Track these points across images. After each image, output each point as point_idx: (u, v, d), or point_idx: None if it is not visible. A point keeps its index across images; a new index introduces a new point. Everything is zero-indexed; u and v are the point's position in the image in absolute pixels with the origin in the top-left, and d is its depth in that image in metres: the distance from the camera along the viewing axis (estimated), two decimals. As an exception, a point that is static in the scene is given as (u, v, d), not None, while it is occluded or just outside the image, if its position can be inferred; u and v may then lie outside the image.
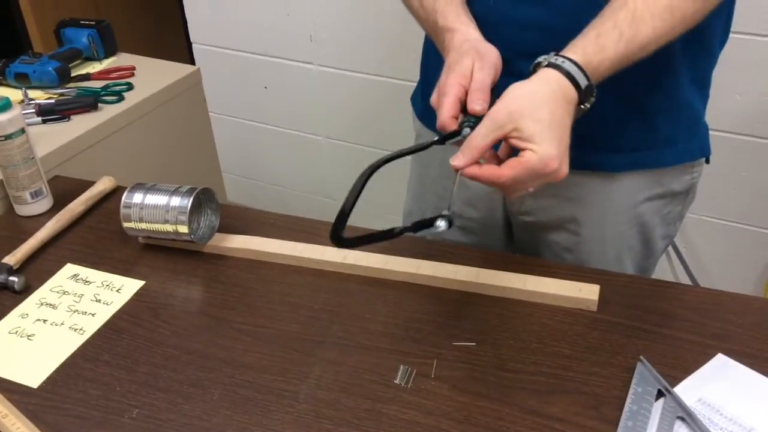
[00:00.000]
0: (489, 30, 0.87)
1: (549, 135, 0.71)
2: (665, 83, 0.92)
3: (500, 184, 0.73)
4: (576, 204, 1.01)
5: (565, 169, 0.73)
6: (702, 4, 0.80)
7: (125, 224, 1.04)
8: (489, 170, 0.73)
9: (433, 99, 0.82)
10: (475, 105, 0.77)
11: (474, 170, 0.73)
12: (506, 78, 0.81)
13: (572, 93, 0.74)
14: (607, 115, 0.89)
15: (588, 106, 0.77)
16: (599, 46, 0.76)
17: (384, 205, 1.45)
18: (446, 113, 0.78)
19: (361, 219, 1.27)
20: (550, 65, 0.75)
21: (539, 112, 0.72)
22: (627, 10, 0.77)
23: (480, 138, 0.73)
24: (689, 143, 0.99)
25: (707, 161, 1.03)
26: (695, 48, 0.91)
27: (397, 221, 0.89)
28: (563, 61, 0.75)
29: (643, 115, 0.93)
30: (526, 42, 0.85)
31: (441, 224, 0.75)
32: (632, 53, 0.77)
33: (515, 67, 0.83)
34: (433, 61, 0.94)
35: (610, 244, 1.04)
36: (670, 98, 0.93)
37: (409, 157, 0.84)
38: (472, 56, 0.80)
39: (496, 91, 0.79)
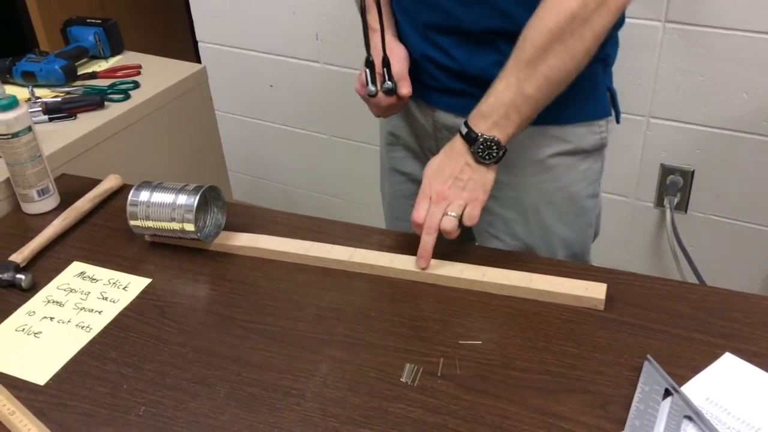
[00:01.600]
0: (404, 4, 1.10)
1: (429, 173, 1.00)
2: None
3: (423, 214, 0.98)
4: None
5: (436, 189, 0.97)
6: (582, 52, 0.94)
7: (132, 222, 1.04)
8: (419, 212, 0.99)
9: (357, 88, 1.10)
10: (403, 89, 1.08)
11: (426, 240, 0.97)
12: (425, 42, 1.08)
13: (457, 142, 0.99)
14: None
15: (483, 146, 0.96)
16: (487, 96, 0.96)
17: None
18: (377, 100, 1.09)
19: (359, 218, 1.27)
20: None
21: (430, 163, 1.01)
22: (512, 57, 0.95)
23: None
24: (588, 105, 1.09)
25: (617, 121, 1.15)
26: None
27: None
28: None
29: None
30: (430, 17, 1.06)
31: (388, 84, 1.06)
32: (524, 94, 0.94)
33: (428, 37, 1.08)
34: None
35: (524, 192, 1.13)
36: None
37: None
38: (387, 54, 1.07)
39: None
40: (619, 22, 1.05)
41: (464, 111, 1.09)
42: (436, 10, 1.04)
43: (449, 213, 0.96)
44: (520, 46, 0.94)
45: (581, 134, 1.10)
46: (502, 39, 1.01)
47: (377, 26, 1.06)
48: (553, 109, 1.03)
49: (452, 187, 0.97)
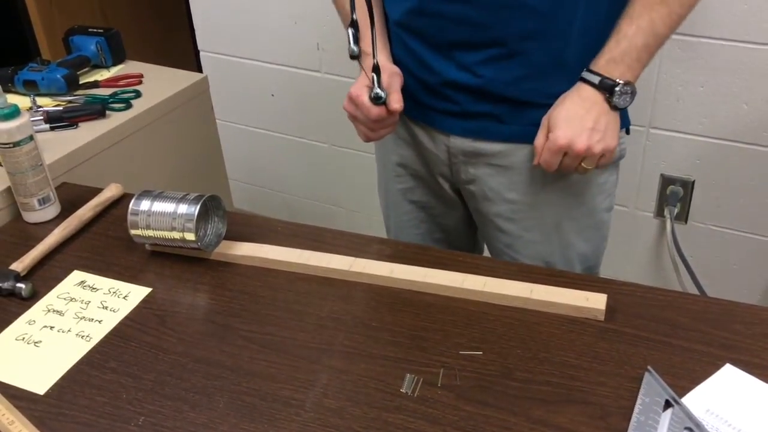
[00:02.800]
0: (424, 22, 1.05)
1: (563, 124, 0.98)
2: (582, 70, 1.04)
3: (545, 161, 1.01)
4: (508, 172, 1.12)
5: (580, 145, 0.97)
6: None
7: (132, 231, 1.04)
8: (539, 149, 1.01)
9: (346, 105, 1.08)
10: (395, 104, 1.03)
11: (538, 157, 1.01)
12: (447, 62, 1.05)
13: (588, 91, 0.99)
14: (529, 94, 1.06)
15: (621, 92, 0.98)
16: (616, 41, 0.97)
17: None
18: (369, 105, 1.04)
19: (359, 227, 1.27)
20: (579, 79, 1.01)
21: (559, 112, 1.00)
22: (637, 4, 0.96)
23: (537, 138, 1.02)
24: None
25: (627, 132, 1.16)
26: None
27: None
28: (584, 73, 1.00)
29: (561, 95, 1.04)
30: (457, 34, 1.03)
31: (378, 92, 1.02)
32: (655, 34, 0.96)
33: (451, 55, 1.05)
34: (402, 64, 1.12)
35: (546, 211, 1.13)
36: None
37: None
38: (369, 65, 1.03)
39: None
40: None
41: (482, 135, 1.09)
42: (464, 25, 1.02)
43: (585, 165, 0.99)
44: None
45: None
46: (534, 43, 1.00)
47: (369, 51, 1.03)
48: None
49: (591, 139, 0.97)
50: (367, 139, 1.11)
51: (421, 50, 1.08)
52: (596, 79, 0.98)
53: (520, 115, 1.07)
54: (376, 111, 1.04)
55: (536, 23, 0.99)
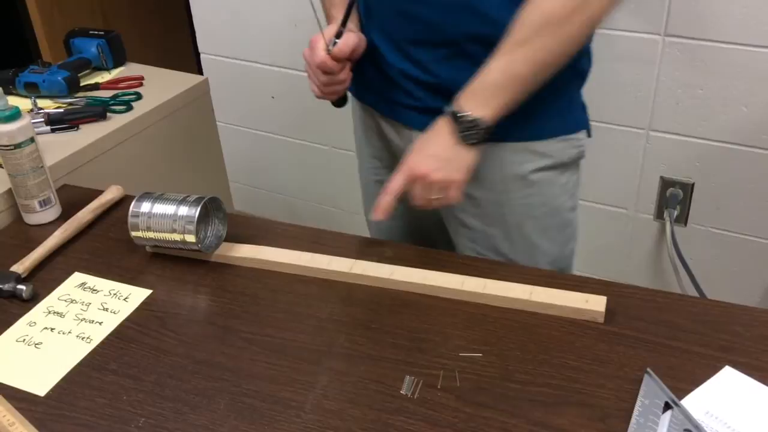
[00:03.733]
0: (380, 20, 1.09)
1: (413, 150, 1.01)
2: (544, 89, 1.02)
3: (396, 189, 1.00)
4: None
5: (417, 170, 0.98)
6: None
7: (133, 233, 1.04)
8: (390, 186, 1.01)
9: (305, 51, 1.09)
10: (338, 48, 1.04)
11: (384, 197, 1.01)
12: (402, 58, 1.07)
13: (441, 122, 0.99)
14: None
15: (467, 127, 0.97)
16: (477, 75, 0.97)
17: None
18: (320, 46, 1.06)
19: (360, 229, 1.27)
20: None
21: (417, 141, 1.02)
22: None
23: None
24: (566, 119, 1.11)
25: (589, 135, 1.16)
26: None
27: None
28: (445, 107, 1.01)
29: (524, 103, 1.03)
30: (412, 31, 1.05)
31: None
32: (513, 74, 0.96)
33: (406, 53, 1.07)
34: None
35: (508, 209, 1.13)
36: (545, 98, 1.03)
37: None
38: (332, 27, 1.07)
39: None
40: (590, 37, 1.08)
41: None
42: (417, 23, 1.04)
43: (431, 197, 0.99)
44: (512, 29, 0.94)
45: (561, 148, 1.11)
46: (485, 47, 0.99)
47: (340, 18, 1.07)
48: (535, 125, 1.07)
49: (430, 166, 0.97)
50: (317, 94, 1.13)
51: (380, 43, 1.10)
52: (449, 109, 0.98)
53: None
54: (322, 56, 1.05)
55: (487, 28, 0.99)
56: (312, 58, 1.07)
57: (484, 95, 0.96)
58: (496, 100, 0.96)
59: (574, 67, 1.06)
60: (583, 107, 1.14)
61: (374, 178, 1.30)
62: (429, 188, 0.98)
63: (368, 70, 1.13)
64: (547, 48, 0.94)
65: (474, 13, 0.99)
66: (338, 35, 1.05)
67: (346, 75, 1.08)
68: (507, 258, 1.17)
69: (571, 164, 1.14)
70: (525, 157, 1.09)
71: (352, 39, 1.06)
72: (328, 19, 1.15)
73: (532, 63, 0.95)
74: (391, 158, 1.23)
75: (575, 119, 1.12)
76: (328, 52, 1.04)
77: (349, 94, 1.21)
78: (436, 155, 0.98)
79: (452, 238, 1.26)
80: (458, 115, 0.96)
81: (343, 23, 1.06)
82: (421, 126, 1.08)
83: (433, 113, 1.06)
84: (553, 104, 1.06)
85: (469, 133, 0.97)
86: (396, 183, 0.99)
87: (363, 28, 1.13)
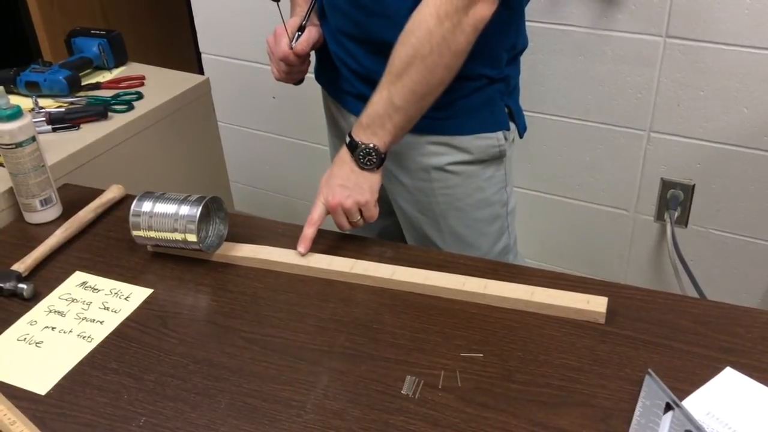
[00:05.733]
0: (322, 7, 1.17)
1: (323, 183, 1.08)
2: (463, 88, 1.11)
3: (317, 219, 1.07)
4: (397, 157, 1.18)
5: (332, 201, 1.05)
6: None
7: (134, 232, 1.04)
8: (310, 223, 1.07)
9: (268, 38, 1.19)
10: (299, 47, 1.15)
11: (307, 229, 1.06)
12: (339, 47, 1.16)
13: (343, 152, 1.07)
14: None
15: (364, 154, 1.04)
16: (365, 108, 1.04)
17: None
18: (284, 41, 1.16)
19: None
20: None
21: (324, 178, 1.09)
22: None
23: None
24: (484, 119, 1.16)
25: (521, 136, 1.26)
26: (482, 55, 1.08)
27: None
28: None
29: (443, 99, 1.08)
30: (344, 25, 1.13)
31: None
32: (395, 106, 1.02)
33: (342, 43, 1.15)
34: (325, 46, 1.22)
35: (433, 198, 1.20)
36: (462, 87, 1.10)
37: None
38: (296, 20, 1.18)
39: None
40: (521, 45, 1.18)
41: None
42: (347, 19, 1.11)
43: (352, 220, 1.07)
44: (389, 61, 1.01)
45: (479, 146, 1.16)
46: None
47: (303, 12, 1.18)
48: (454, 122, 1.14)
49: (340, 195, 1.05)
50: (278, 77, 1.22)
51: (326, 32, 1.19)
52: (347, 140, 1.06)
53: None
54: (284, 50, 1.16)
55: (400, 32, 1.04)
56: (276, 49, 1.17)
57: (372, 127, 1.03)
58: (384, 130, 1.03)
59: (489, 75, 1.13)
60: (508, 110, 1.19)
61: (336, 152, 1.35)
62: (347, 213, 1.06)
63: (323, 56, 1.24)
64: (419, 81, 1.00)
65: (389, 19, 1.04)
66: (301, 29, 1.16)
67: (306, 66, 1.21)
68: (437, 247, 1.23)
69: (493, 161, 1.19)
70: (443, 150, 1.16)
71: (313, 35, 1.17)
72: (293, 9, 1.24)
73: (409, 93, 1.01)
74: (341, 139, 1.26)
75: (496, 120, 1.18)
76: (291, 47, 1.15)
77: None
78: (343, 185, 1.05)
79: (402, 226, 1.32)
80: (354, 145, 1.04)
81: (306, 17, 1.16)
82: (356, 111, 1.13)
83: (365, 99, 1.10)
84: (471, 106, 1.13)
85: (367, 159, 1.04)
86: (316, 214, 1.06)
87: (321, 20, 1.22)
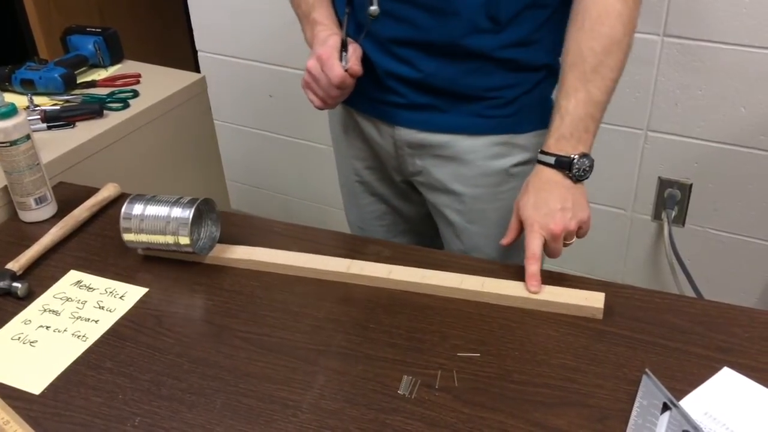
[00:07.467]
0: (363, 16, 1.06)
1: (533, 212, 0.99)
2: (528, 81, 1.10)
3: (539, 253, 0.96)
4: (452, 163, 1.14)
5: (555, 228, 0.96)
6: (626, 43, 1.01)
7: (125, 236, 1.03)
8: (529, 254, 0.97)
9: (310, 66, 1.06)
10: (356, 66, 1.03)
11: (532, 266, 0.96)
12: (386, 56, 1.09)
13: (548, 173, 1.01)
14: (469, 89, 1.09)
15: (578, 165, 0.99)
16: (560, 118, 1.00)
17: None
18: (337, 63, 1.03)
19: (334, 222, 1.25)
20: (537, 161, 1.03)
21: (527, 200, 1.00)
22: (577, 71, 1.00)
23: (511, 221, 1.03)
24: (543, 114, 1.10)
25: None
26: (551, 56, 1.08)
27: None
28: (539, 155, 1.02)
29: (508, 95, 1.09)
30: (397, 31, 1.06)
31: (372, 8, 1.00)
32: (595, 103, 1.00)
33: (389, 49, 1.08)
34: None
35: (489, 206, 1.16)
36: (526, 80, 1.10)
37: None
38: (336, 39, 1.06)
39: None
40: None
41: (428, 126, 1.12)
42: (403, 24, 1.05)
43: (567, 242, 0.99)
44: (577, 61, 0.99)
45: (536, 144, 1.12)
46: (471, 57, 1.03)
47: (325, 21, 1.09)
48: (517, 119, 1.11)
49: (563, 219, 0.97)
50: (323, 105, 1.09)
51: (364, 43, 1.09)
52: (551, 160, 1.00)
53: (461, 106, 1.10)
54: (342, 73, 1.03)
55: (468, 33, 1.02)
56: (330, 74, 1.03)
57: (576, 133, 0.99)
58: (588, 132, 1.00)
59: (551, 65, 1.10)
60: (552, 103, 1.16)
61: (355, 179, 1.30)
62: (567, 237, 0.99)
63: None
64: (616, 67, 1.00)
65: (457, 17, 1.01)
66: (344, 46, 1.04)
67: (353, 81, 1.07)
68: (488, 256, 1.18)
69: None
70: (506, 150, 1.12)
71: (358, 50, 1.06)
72: (304, 19, 1.14)
73: (610, 83, 1.00)
74: (374, 158, 1.24)
75: (548, 115, 1.13)
76: (345, 69, 1.03)
77: None
78: (563, 207, 0.98)
79: (441, 235, 1.27)
80: (566, 161, 0.99)
81: (345, 31, 1.06)
82: (407, 122, 1.11)
83: (419, 108, 1.09)
84: (531, 101, 1.10)
85: (582, 170, 1.00)
86: (537, 248, 0.96)
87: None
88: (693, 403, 0.79)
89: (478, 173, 1.13)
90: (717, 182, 1.76)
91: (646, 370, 0.82)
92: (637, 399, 0.79)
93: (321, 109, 1.11)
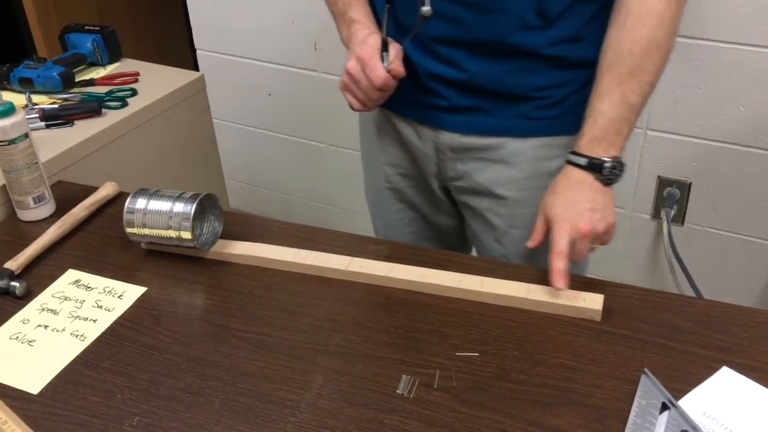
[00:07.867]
0: (406, 21, 1.06)
1: (561, 212, 0.97)
2: (577, 79, 1.07)
3: (565, 250, 0.94)
4: (496, 166, 1.12)
5: (584, 228, 0.95)
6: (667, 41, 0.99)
7: (128, 230, 1.03)
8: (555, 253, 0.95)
9: (351, 67, 1.03)
10: (398, 67, 1.02)
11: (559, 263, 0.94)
12: (427, 56, 1.06)
13: (578, 174, 0.99)
14: (515, 88, 1.06)
15: (609, 168, 0.97)
16: (594, 120, 0.98)
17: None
18: (379, 64, 1.02)
19: (356, 227, 1.26)
20: (566, 162, 1.02)
21: (554, 200, 0.99)
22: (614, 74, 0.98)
23: (537, 223, 1.01)
24: (580, 115, 1.08)
25: None
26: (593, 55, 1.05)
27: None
28: (569, 156, 1.01)
29: (556, 95, 1.07)
30: (440, 29, 1.03)
31: (425, 8, 0.96)
32: (630, 105, 0.98)
33: (432, 49, 1.05)
34: None
35: (533, 209, 1.09)
36: (577, 78, 1.07)
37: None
38: (376, 39, 1.04)
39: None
40: None
41: (472, 129, 1.09)
42: (449, 23, 1.02)
43: (593, 246, 0.98)
44: (614, 62, 0.97)
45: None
46: (518, 55, 1.01)
47: (362, 19, 1.07)
48: (562, 120, 1.08)
49: (591, 219, 0.96)
50: (362, 108, 1.07)
51: (408, 45, 1.07)
52: (583, 161, 0.99)
53: (507, 107, 1.07)
54: (384, 75, 1.01)
55: (518, 25, 1.00)
56: (372, 76, 1.02)
57: (608, 136, 0.98)
58: (620, 136, 0.98)
59: (595, 65, 1.06)
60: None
61: (385, 185, 1.27)
62: (593, 240, 0.97)
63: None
64: (654, 71, 0.98)
65: (505, 13, 0.99)
66: (384, 46, 1.03)
67: (394, 83, 1.05)
68: (530, 260, 1.15)
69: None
70: (554, 153, 1.09)
71: (399, 49, 1.04)
72: (340, 17, 1.12)
73: (647, 87, 0.98)
74: (410, 163, 1.21)
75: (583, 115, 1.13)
76: (388, 70, 1.01)
77: None
78: (592, 208, 0.97)
79: (475, 238, 1.24)
80: (597, 163, 0.97)
81: (385, 30, 1.04)
82: (450, 126, 1.08)
83: (462, 111, 1.06)
84: (578, 100, 1.06)
85: (613, 173, 0.98)
86: (563, 245, 0.94)
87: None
88: (692, 402, 0.78)
89: (524, 176, 1.11)
90: (716, 181, 1.76)
91: (645, 369, 0.82)
92: (636, 399, 0.79)
93: (360, 111, 1.09)
